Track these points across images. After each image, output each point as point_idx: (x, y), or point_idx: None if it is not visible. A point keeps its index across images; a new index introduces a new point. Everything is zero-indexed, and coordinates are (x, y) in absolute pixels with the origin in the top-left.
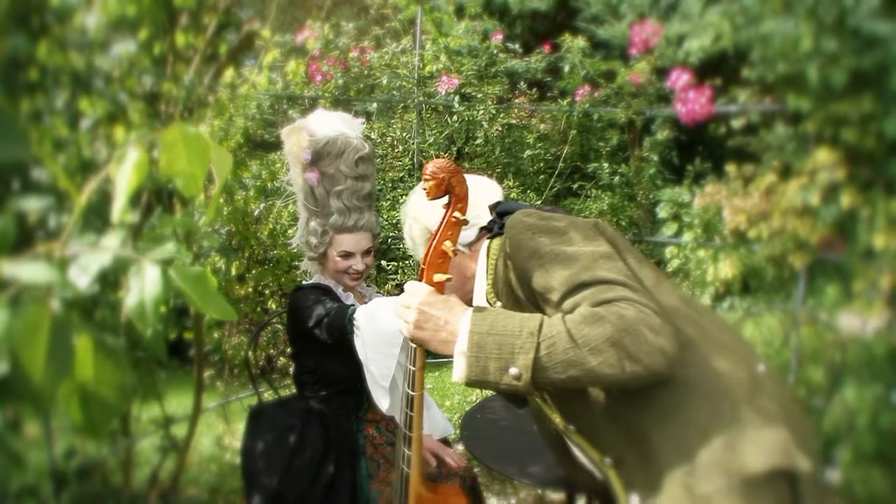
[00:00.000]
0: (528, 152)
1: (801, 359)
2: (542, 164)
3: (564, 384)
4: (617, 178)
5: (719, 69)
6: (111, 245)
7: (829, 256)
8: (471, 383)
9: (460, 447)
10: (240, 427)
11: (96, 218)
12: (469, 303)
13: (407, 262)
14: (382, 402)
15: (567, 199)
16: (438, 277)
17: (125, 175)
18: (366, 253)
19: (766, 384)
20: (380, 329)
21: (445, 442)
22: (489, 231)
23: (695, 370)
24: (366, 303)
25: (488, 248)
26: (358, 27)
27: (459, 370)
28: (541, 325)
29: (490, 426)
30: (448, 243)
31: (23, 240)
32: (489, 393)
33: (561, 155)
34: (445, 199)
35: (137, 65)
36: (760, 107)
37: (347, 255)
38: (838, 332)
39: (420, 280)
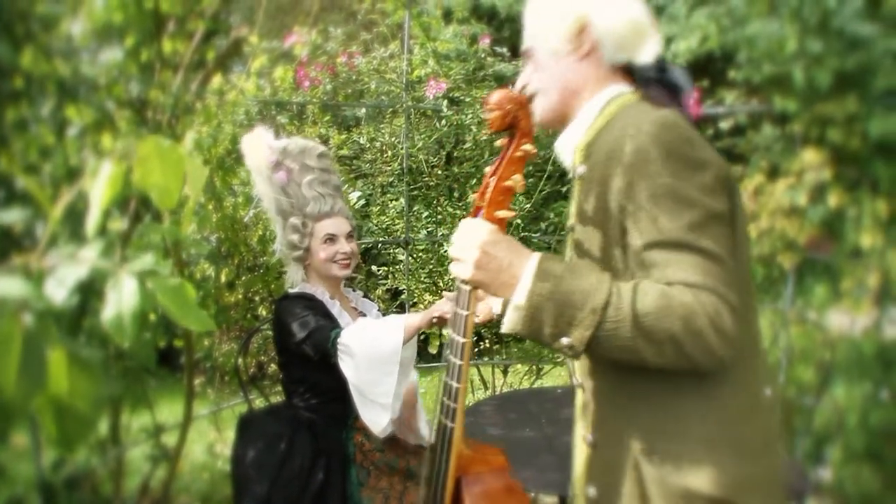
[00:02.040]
0: None
1: (790, 358)
2: (531, 167)
3: (608, 356)
4: None
5: (706, 71)
6: (89, 256)
7: (817, 256)
8: (520, 335)
9: None
10: (231, 435)
11: (81, 226)
12: (554, 120)
13: (397, 266)
14: (380, 420)
15: (557, 201)
16: (502, 214)
17: (99, 189)
18: (349, 237)
19: (764, 410)
20: (377, 351)
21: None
22: (627, 74)
23: (722, 375)
24: (353, 307)
25: (611, 100)
26: (346, 32)
27: (510, 324)
28: (606, 304)
29: (482, 431)
30: (516, 177)
31: (10, 249)
32: (481, 396)
33: (550, 157)
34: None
35: (124, 72)
36: (747, 108)
37: (331, 239)
38: (827, 331)
39: (474, 217)
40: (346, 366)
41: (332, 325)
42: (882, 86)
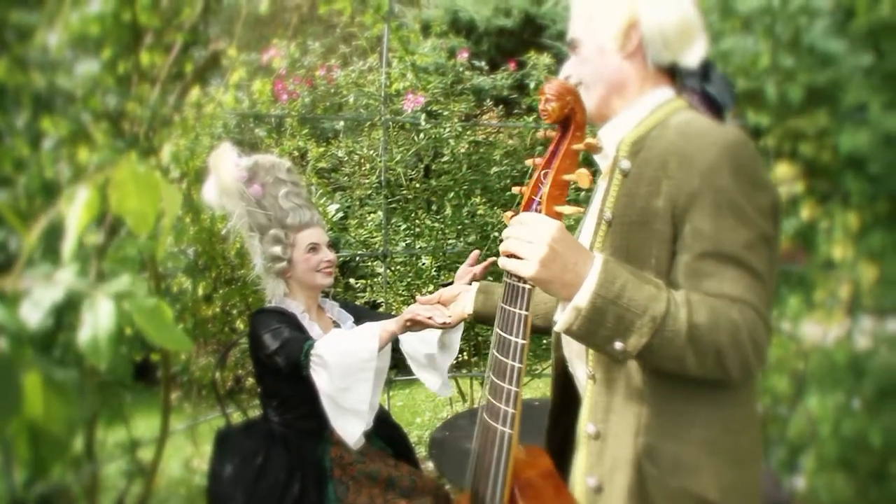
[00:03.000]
0: (495, 169)
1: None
2: (509, 181)
3: (652, 362)
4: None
5: None
6: (64, 278)
7: (791, 267)
8: (570, 335)
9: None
10: (208, 449)
11: (57, 243)
12: (594, 115)
13: (375, 279)
14: (354, 430)
15: None
16: (562, 209)
17: (75, 214)
18: (329, 245)
19: (757, 421)
20: (352, 359)
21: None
22: (671, 76)
23: (731, 386)
24: (329, 318)
25: (664, 102)
26: (324, 45)
27: (565, 324)
28: (665, 314)
29: (458, 444)
30: (582, 171)
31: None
32: (458, 410)
33: (528, 171)
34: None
35: (101, 84)
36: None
37: (314, 248)
38: (801, 342)
39: (526, 211)
40: (320, 376)
41: (305, 337)
42: (851, 101)
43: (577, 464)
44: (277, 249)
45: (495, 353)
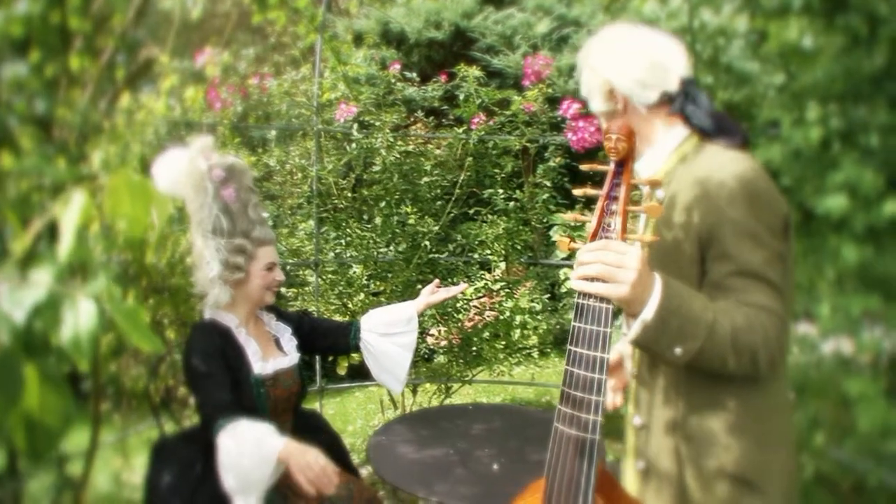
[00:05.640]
0: (425, 179)
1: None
2: (439, 191)
3: (698, 363)
4: (512, 204)
5: None
6: (44, 280)
7: None
8: (636, 345)
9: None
10: (139, 462)
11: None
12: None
13: (307, 288)
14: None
15: (464, 223)
16: (636, 237)
17: (71, 217)
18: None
19: (786, 409)
20: (244, 469)
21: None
22: (669, 102)
23: (758, 379)
24: (268, 332)
25: (684, 140)
26: (257, 54)
27: (635, 335)
28: (714, 321)
29: (395, 448)
30: (643, 207)
31: None
32: (391, 416)
33: (457, 181)
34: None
35: (26, 87)
36: None
37: (271, 266)
38: None
39: (594, 238)
40: (219, 453)
41: (224, 405)
42: (765, 117)
43: (628, 450)
44: (240, 260)
45: (574, 370)
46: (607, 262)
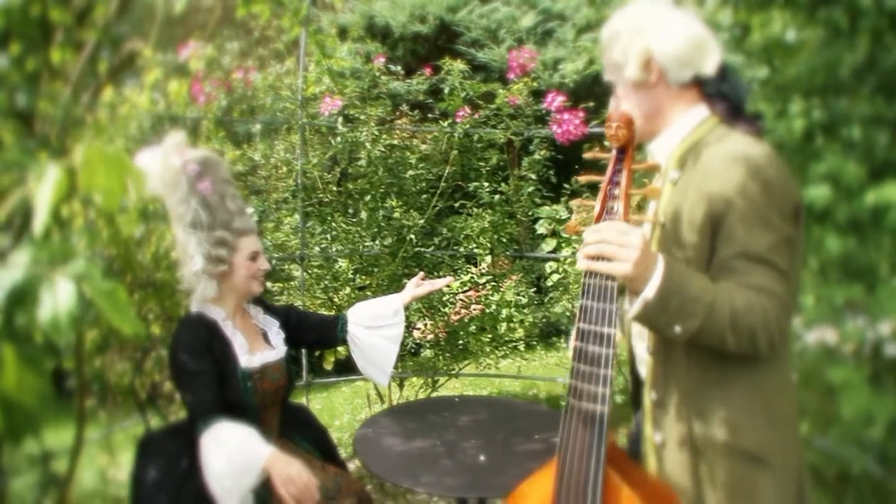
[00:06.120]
0: (410, 172)
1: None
2: (424, 184)
3: (698, 340)
4: (497, 197)
5: (592, 92)
6: (21, 261)
7: None
8: (638, 321)
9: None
10: (125, 458)
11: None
12: (647, 135)
13: (292, 283)
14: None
15: (449, 217)
16: (637, 218)
17: (45, 192)
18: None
19: (790, 389)
20: (223, 474)
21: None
22: (697, 85)
23: (764, 360)
24: (255, 325)
25: (703, 121)
26: (241, 48)
27: (636, 312)
28: (714, 301)
29: (382, 441)
30: (644, 190)
31: None
32: (377, 410)
33: (443, 174)
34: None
35: (7, 81)
36: None
37: (255, 256)
38: None
39: (599, 220)
40: (202, 456)
41: (209, 404)
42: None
43: (646, 423)
44: (223, 252)
45: (583, 345)
46: (611, 240)
